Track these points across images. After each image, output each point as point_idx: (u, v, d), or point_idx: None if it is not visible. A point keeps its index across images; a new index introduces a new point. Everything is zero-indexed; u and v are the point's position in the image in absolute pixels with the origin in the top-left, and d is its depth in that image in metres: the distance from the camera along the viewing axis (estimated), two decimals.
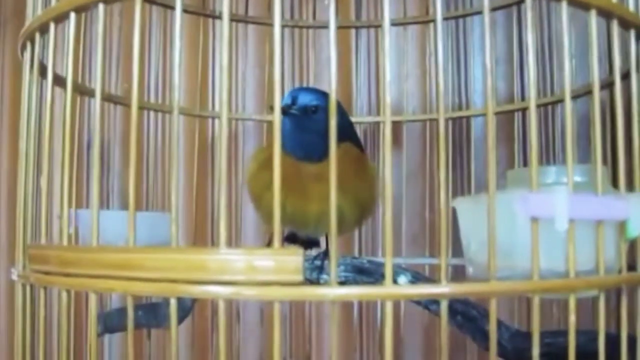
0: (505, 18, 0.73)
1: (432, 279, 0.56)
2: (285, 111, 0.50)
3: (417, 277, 0.50)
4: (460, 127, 0.72)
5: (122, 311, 0.32)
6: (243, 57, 0.74)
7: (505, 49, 0.74)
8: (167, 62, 0.71)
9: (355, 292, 0.30)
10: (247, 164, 0.59)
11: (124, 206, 0.31)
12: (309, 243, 0.61)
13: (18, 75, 0.44)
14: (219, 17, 0.63)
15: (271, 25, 0.30)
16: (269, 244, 0.30)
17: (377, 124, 0.72)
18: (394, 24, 0.71)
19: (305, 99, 0.50)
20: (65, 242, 0.35)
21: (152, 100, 0.70)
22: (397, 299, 0.29)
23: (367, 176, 0.52)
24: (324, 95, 0.51)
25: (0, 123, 0.86)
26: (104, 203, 0.69)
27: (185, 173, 0.76)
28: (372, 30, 0.75)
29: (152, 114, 0.69)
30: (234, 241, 0.71)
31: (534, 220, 0.31)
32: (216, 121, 0.70)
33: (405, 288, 0.32)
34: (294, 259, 0.28)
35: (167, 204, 0.67)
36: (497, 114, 0.67)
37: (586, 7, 0.34)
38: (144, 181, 0.69)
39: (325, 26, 0.29)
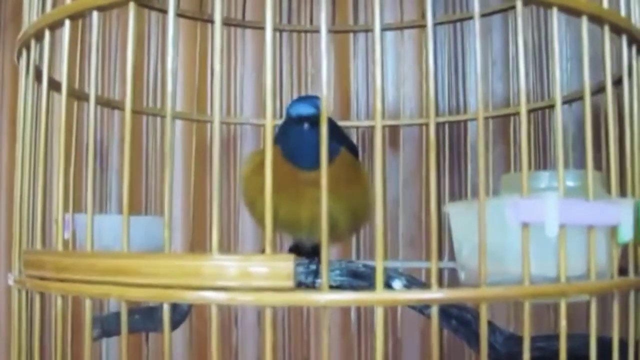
0: (502, 20, 0.73)
1: (426, 284, 0.56)
2: (311, 121, 0.48)
3: (412, 282, 0.50)
4: (457, 131, 0.73)
5: (120, 315, 0.32)
6: (241, 61, 0.74)
7: (502, 52, 0.75)
8: (165, 66, 0.71)
9: (346, 297, 0.30)
10: (242, 167, 0.59)
11: (122, 210, 0.31)
12: (313, 254, 0.60)
13: (17, 80, 0.44)
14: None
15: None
16: (265, 249, 0.30)
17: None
18: (390, 28, 0.71)
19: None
20: (60, 247, 0.35)
21: (151, 104, 0.70)
22: (388, 304, 0.29)
23: (361, 182, 0.52)
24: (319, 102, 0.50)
25: None
26: (103, 207, 0.70)
27: (183, 177, 0.77)
28: (369, 34, 0.75)
29: (151, 118, 0.69)
30: (231, 246, 0.71)
31: (525, 225, 0.31)
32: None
33: (397, 293, 0.33)
34: (286, 264, 0.29)
35: None
36: (493, 117, 0.67)
37: (577, 14, 0.34)
38: (143, 186, 0.69)
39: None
